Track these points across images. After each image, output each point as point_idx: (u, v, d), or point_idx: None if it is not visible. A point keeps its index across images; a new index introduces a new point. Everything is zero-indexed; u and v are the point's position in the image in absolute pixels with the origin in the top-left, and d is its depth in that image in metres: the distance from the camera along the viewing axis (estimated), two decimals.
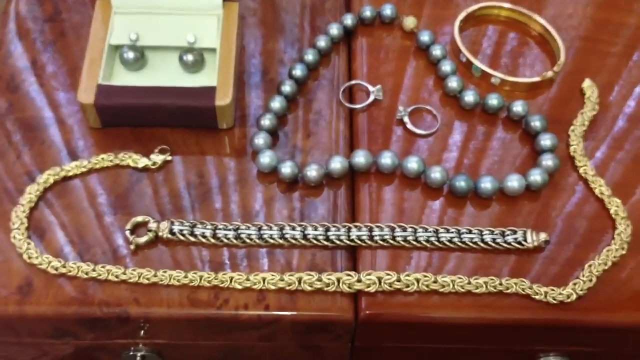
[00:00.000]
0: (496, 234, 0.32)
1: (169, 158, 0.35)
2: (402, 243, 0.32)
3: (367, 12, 0.40)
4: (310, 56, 0.38)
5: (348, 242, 0.32)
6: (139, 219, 0.32)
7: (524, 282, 0.31)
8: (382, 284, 0.30)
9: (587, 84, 0.38)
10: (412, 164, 0.33)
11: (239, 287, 0.30)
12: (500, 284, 0.31)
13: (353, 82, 0.38)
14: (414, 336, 0.32)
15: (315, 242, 0.32)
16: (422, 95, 0.37)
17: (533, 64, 0.39)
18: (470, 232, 0.32)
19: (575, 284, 0.31)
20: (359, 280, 0.30)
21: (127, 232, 0.32)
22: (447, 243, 0.32)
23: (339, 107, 0.37)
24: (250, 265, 0.31)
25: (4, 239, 0.32)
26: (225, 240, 0.32)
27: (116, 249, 0.32)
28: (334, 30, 0.39)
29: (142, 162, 0.34)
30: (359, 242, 0.32)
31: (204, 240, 0.32)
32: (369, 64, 0.38)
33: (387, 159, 0.33)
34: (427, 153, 0.35)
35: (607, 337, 0.32)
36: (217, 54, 0.35)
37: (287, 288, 0.30)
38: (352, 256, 0.32)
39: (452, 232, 0.32)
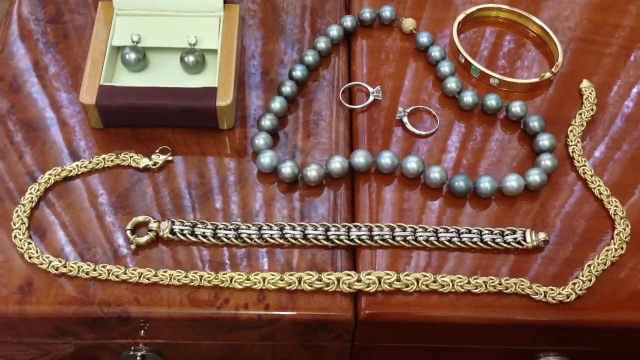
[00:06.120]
0: (495, 234, 0.32)
1: (170, 158, 0.35)
2: (402, 243, 0.32)
3: (367, 14, 0.40)
4: (310, 57, 0.38)
5: (348, 242, 0.32)
6: (140, 218, 0.32)
7: (523, 281, 0.31)
8: (381, 283, 0.30)
9: (584, 84, 0.38)
10: (412, 164, 0.33)
11: (239, 286, 0.30)
12: (500, 284, 0.31)
13: (353, 83, 0.38)
14: (413, 336, 0.32)
15: (315, 242, 0.32)
16: (421, 96, 0.38)
17: (531, 65, 0.39)
18: (469, 232, 0.32)
19: (574, 284, 0.31)
20: (359, 280, 0.30)
21: (128, 232, 0.32)
22: (447, 243, 0.32)
23: (339, 107, 0.37)
24: (250, 265, 0.31)
25: (5, 238, 0.32)
26: (226, 240, 0.32)
27: (117, 249, 0.32)
28: (334, 31, 0.39)
29: (143, 162, 0.34)
30: (358, 242, 0.32)
31: (204, 240, 0.32)
32: (369, 65, 0.39)
33: (386, 159, 0.34)
34: (426, 153, 0.35)
35: (607, 336, 0.32)
36: (218, 55, 0.36)
37: (287, 288, 0.30)
38: (352, 256, 0.32)
39: (452, 232, 0.32)
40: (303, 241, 0.32)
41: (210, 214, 0.33)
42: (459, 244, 0.32)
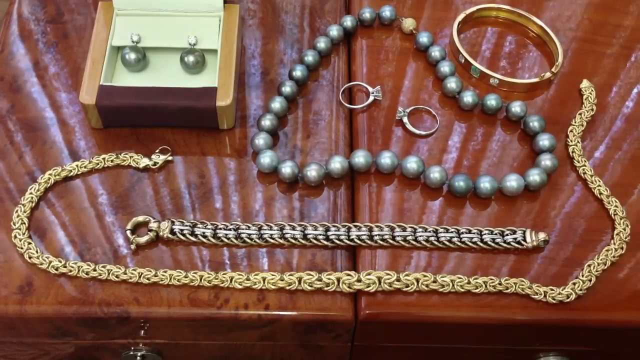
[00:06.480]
0: (495, 234, 0.32)
1: (170, 158, 0.35)
2: (402, 243, 0.32)
3: (367, 14, 0.40)
4: (310, 57, 0.38)
5: (348, 242, 0.32)
6: (140, 218, 0.32)
7: (523, 281, 0.31)
8: (381, 283, 0.30)
9: (585, 84, 0.38)
10: (412, 164, 0.33)
11: (239, 286, 0.30)
12: (500, 284, 0.31)
13: (353, 83, 0.38)
14: (413, 336, 0.32)
15: (315, 242, 0.32)
16: (421, 96, 0.38)
17: (531, 65, 0.39)
18: (469, 232, 0.32)
19: (574, 284, 0.31)
20: (359, 280, 0.30)
21: (128, 232, 0.32)
22: (447, 243, 0.32)
23: (339, 107, 0.37)
24: (250, 265, 0.31)
25: (5, 238, 0.32)
26: (226, 240, 0.32)
27: (117, 249, 0.32)
28: (334, 31, 0.39)
29: (143, 162, 0.34)
30: (358, 242, 0.32)
31: (204, 240, 0.32)
32: (369, 65, 0.39)
33: (386, 159, 0.34)
34: (426, 153, 0.35)
35: (607, 336, 0.32)
36: (218, 55, 0.36)
37: (287, 288, 0.30)
38: (352, 256, 0.32)
39: (452, 232, 0.32)
40: (303, 241, 0.32)
41: (210, 214, 0.33)
42: (459, 244, 0.32)
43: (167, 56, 0.37)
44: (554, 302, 0.30)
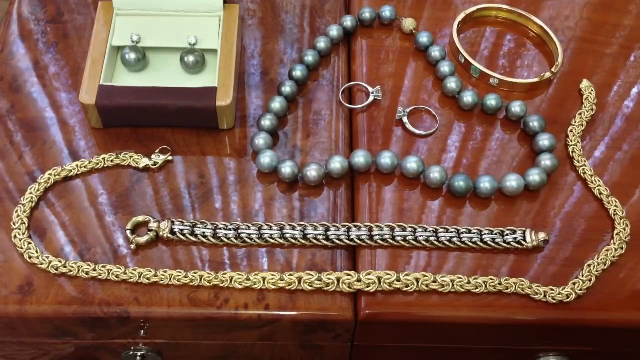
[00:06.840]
0: (495, 234, 0.32)
1: (170, 158, 0.35)
2: (402, 243, 0.32)
3: (367, 14, 0.40)
4: (310, 57, 0.38)
5: (348, 242, 0.32)
6: (140, 218, 0.32)
7: (523, 282, 0.31)
8: (381, 283, 0.30)
9: (585, 84, 0.38)
10: (412, 164, 0.33)
11: (239, 286, 0.30)
12: (500, 284, 0.31)
13: (353, 83, 0.38)
14: (413, 336, 0.32)
15: (315, 242, 0.32)
16: (421, 96, 0.38)
17: (531, 65, 0.39)
18: (469, 232, 0.32)
19: (574, 284, 0.31)
20: (359, 280, 0.30)
21: (128, 232, 0.32)
22: (447, 243, 0.32)
23: (339, 107, 0.37)
24: (250, 265, 0.31)
25: (5, 238, 0.32)
26: (226, 240, 0.32)
27: (117, 249, 0.32)
28: (334, 31, 0.39)
29: (143, 162, 0.34)
30: (358, 242, 0.32)
31: (204, 240, 0.32)
32: (369, 65, 0.39)
33: (386, 159, 0.34)
34: (426, 153, 0.35)
35: (607, 336, 0.32)
36: (218, 55, 0.36)
37: (287, 288, 0.30)
38: (352, 256, 0.32)
39: (452, 232, 0.32)
40: (303, 241, 0.32)
41: (210, 214, 0.33)
42: (459, 244, 0.32)
43: (167, 56, 0.37)
44: (554, 302, 0.30)
